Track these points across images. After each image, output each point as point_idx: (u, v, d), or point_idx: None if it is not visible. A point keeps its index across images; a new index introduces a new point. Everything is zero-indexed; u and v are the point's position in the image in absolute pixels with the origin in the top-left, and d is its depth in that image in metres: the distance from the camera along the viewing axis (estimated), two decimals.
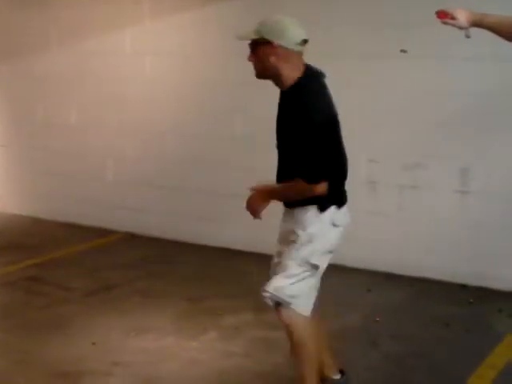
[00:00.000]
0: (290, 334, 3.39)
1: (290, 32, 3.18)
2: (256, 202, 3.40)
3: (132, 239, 6.94)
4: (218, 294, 5.31)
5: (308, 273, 3.34)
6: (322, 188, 3.24)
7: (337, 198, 3.38)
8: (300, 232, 3.32)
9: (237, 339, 4.36)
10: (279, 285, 3.33)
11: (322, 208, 3.32)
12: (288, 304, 3.32)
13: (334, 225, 3.35)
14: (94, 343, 4.46)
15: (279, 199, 3.45)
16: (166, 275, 5.83)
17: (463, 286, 5.42)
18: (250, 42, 3.29)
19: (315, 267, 3.34)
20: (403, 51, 5.42)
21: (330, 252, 3.42)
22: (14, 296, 5.42)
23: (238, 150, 6.19)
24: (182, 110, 6.63)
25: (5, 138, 8.08)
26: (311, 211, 3.31)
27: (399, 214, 5.74)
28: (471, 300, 5.18)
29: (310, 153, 3.18)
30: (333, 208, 3.33)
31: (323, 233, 3.33)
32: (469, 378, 3.94)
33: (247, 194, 3.40)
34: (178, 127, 6.69)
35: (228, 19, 6.25)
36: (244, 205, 3.40)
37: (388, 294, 5.33)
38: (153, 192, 6.94)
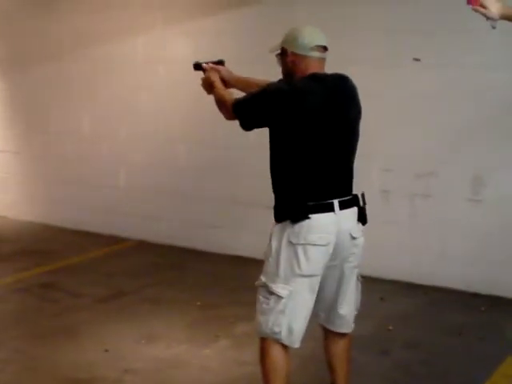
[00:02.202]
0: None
1: (302, 39, 3.24)
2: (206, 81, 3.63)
3: (144, 246, 6.95)
4: (230, 301, 5.31)
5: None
6: (231, 117, 3.34)
7: (293, 211, 3.15)
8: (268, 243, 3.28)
9: (248, 347, 4.34)
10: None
11: (276, 217, 3.25)
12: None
13: (290, 242, 3.15)
14: (105, 350, 4.46)
15: (215, 94, 3.53)
16: (178, 283, 5.84)
17: (475, 295, 5.40)
18: (277, 54, 3.36)
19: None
20: (416, 59, 5.43)
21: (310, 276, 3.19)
22: (27, 302, 5.44)
23: (251, 158, 6.19)
24: (195, 118, 6.65)
25: (18, 146, 8.13)
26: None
27: (412, 222, 5.72)
28: (483, 308, 5.16)
29: (252, 94, 3.30)
30: (288, 222, 3.16)
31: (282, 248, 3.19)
32: None
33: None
34: (190, 135, 6.71)
35: (241, 27, 6.28)
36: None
37: (400, 303, 5.32)
38: (165, 199, 6.96)
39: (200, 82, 3.68)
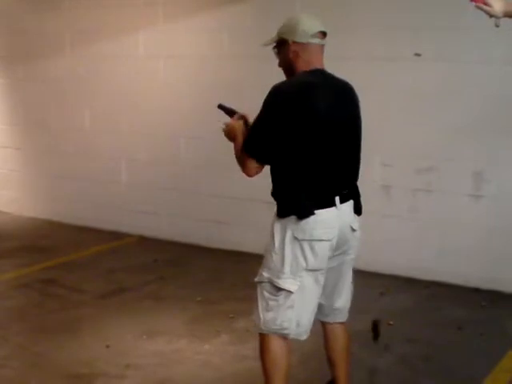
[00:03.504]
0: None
1: (302, 26, 3.17)
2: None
3: (145, 242, 6.96)
4: (231, 297, 5.32)
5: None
6: (250, 165, 3.18)
7: (299, 207, 3.11)
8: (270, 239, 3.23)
9: (249, 342, 4.36)
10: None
11: (280, 213, 3.19)
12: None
13: (295, 237, 3.12)
14: (107, 346, 4.48)
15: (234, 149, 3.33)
16: (179, 278, 5.85)
17: (476, 290, 5.40)
18: (273, 47, 3.29)
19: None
20: (417, 55, 5.42)
21: (315, 270, 3.17)
22: (29, 298, 5.45)
23: None
24: (196, 113, 6.65)
25: (20, 141, 8.14)
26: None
27: (412, 217, 5.72)
28: (484, 303, 5.16)
29: (253, 125, 3.18)
30: (292, 218, 3.12)
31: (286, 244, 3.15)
32: (483, 381, 3.92)
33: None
34: (191, 130, 6.71)
35: (242, 22, 6.27)
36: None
37: (401, 298, 5.32)
38: (166, 195, 6.97)
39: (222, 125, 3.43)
